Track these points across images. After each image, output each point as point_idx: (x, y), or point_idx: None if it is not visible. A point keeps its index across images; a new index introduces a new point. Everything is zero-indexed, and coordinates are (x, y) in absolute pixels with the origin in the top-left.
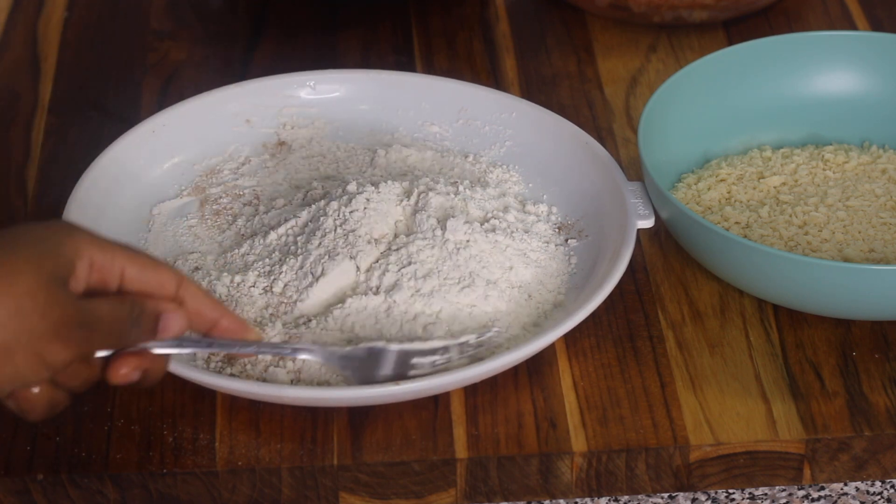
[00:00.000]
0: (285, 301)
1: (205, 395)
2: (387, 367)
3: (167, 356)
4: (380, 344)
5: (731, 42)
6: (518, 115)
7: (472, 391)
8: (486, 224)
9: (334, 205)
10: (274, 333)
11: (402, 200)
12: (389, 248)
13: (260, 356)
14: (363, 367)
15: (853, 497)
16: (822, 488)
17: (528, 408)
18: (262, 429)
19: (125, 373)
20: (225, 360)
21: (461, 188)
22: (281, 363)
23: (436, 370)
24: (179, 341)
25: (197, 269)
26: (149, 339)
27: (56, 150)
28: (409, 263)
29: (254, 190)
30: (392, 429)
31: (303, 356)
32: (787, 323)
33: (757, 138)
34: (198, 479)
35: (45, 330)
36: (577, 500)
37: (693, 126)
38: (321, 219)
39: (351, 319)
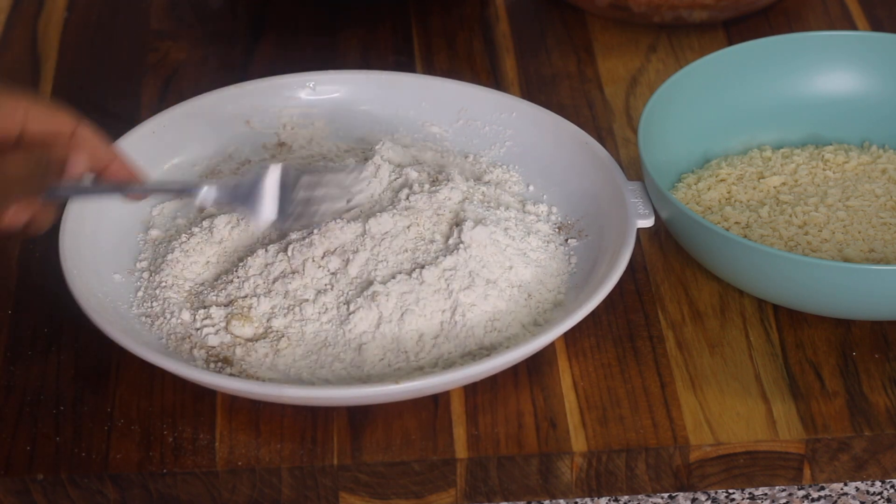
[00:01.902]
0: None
1: (205, 395)
2: (274, 189)
3: (55, 204)
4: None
5: (731, 42)
6: (518, 115)
7: (472, 391)
8: (486, 224)
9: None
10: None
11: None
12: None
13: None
14: (255, 194)
15: (853, 497)
16: (822, 488)
17: (528, 408)
18: (262, 429)
19: (13, 215)
20: (224, 361)
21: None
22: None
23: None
24: (75, 186)
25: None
26: (55, 183)
27: None
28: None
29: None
30: (392, 429)
31: (197, 193)
32: (787, 323)
33: (757, 138)
34: (198, 479)
35: None
36: (577, 500)
37: (693, 126)
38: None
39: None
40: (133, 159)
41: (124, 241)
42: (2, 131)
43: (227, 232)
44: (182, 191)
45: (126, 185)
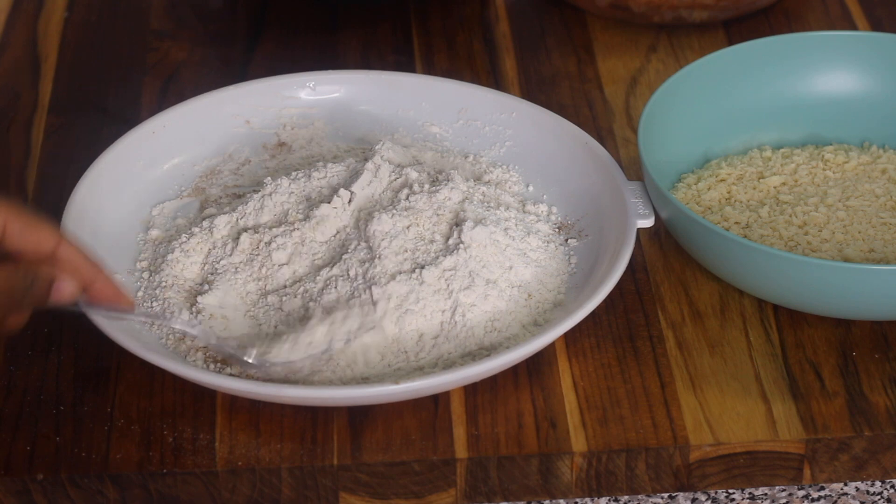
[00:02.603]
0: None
1: (205, 395)
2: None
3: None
4: (241, 353)
5: (731, 42)
6: (518, 115)
7: (472, 391)
8: (486, 224)
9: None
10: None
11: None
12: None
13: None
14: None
15: (853, 497)
16: (822, 488)
17: (528, 408)
18: (262, 429)
19: None
20: (224, 361)
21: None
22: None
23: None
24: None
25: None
26: (40, 304)
27: (56, 150)
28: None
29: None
30: (392, 429)
31: (176, 326)
32: (787, 323)
33: (757, 138)
34: (198, 479)
35: None
36: (577, 500)
37: (693, 126)
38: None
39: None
40: (132, 160)
41: (124, 241)
42: (33, 249)
43: (226, 231)
44: (166, 320)
45: (111, 309)
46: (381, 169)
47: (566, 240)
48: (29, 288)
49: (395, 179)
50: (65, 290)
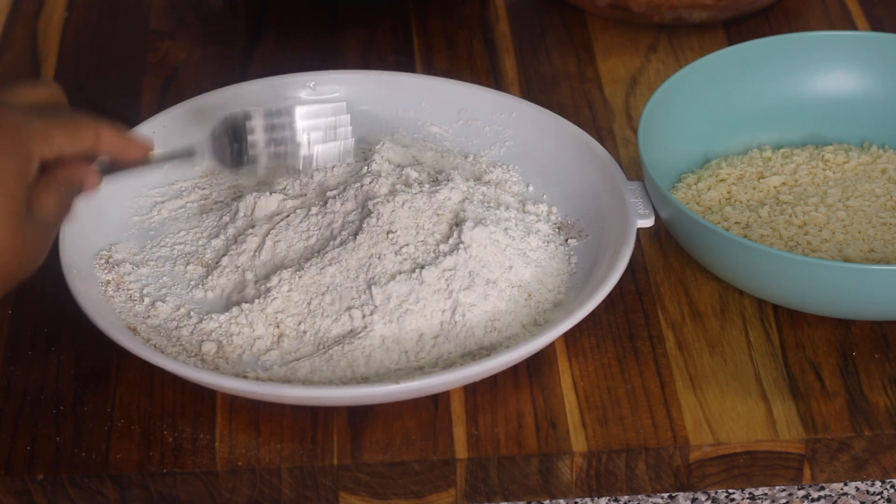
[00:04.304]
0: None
1: (205, 395)
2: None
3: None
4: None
5: (731, 42)
6: (518, 115)
7: (472, 391)
8: (486, 224)
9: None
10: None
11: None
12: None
13: None
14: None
15: (853, 497)
16: (822, 488)
17: (528, 408)
18: (262, 429)
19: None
20: (224, 359)
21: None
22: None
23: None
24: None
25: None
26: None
27: None
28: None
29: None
30: (392, 429)
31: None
32: (787, 323)
33: (757, 138)
34: (198, 479)
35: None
36: (577, 500)
37: (693, 126)
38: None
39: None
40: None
41: (124, 241)
42: (80, 152)
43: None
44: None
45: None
46: (382, 169)
47: (566, 240)
48: (69, 198)
49: (396, 180)
50: (90, 185)
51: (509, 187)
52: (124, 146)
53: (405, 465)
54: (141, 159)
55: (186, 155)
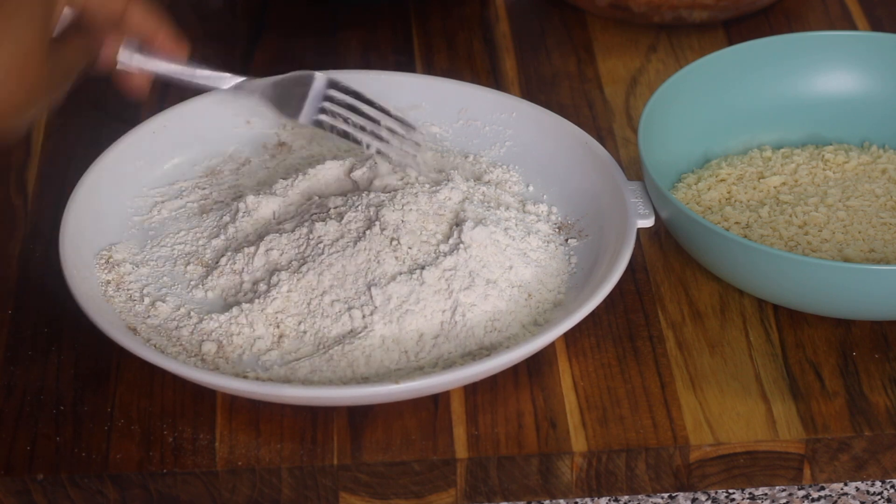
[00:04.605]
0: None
1: (205, 395)
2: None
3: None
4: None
5: (731, 42)
6: (518, 115)
7: (472, 391)
8: (486, 224)
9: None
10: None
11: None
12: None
13: None
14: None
15: (853, 497)
16: (822, 488)
17: (528, 408)
18: (262, 429)
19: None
20: (224, 359)
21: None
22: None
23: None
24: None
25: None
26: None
27: (56, 150)
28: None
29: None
30: (392, 429)
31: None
32: (787, 323)
33: (757, 138)
34: (198, 479)
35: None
36: (577, 500)
37: (693, 126)
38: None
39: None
40: (132, 160)
41: (124, 241)
42: (107, 14)
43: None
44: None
45: (171, 62)
46: (382, 169)
47: (566, 240)
48: (95, 55)
49: (398, 181)
50: (109, 54)
51: (509, 187)
52: (153, 29)
53: (405, 465)
54: (169, 56)
55: (218, 81)
